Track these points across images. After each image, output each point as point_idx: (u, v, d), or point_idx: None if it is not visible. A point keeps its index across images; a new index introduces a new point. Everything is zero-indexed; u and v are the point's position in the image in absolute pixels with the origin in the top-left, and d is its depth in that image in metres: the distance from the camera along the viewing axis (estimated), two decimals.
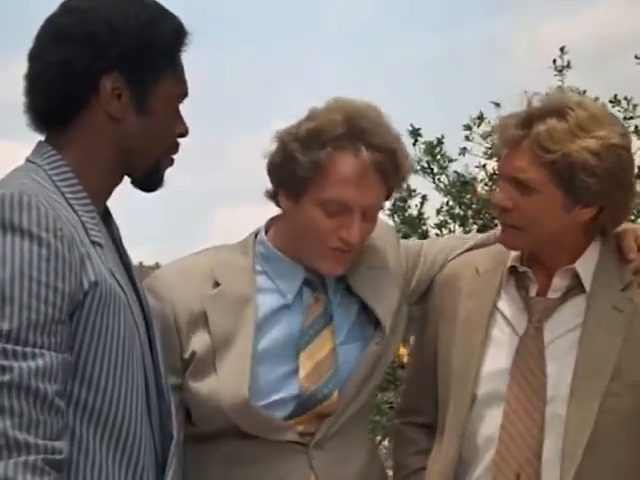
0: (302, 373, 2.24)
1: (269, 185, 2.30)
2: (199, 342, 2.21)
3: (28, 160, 1.83)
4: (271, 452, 2.22)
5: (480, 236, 2.55)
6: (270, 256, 2.30)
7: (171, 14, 1.87)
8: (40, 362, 1.61)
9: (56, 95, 1.80)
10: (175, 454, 1.87)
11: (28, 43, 1.85)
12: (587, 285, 2.28)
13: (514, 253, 2.35)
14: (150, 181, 1.91)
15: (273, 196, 2.30)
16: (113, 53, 1.78)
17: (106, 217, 1.90)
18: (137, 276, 1.94)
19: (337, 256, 2.23)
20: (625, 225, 2.36)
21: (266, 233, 2.35)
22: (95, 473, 1.70)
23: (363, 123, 2.19)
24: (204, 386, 2.20)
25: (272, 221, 2.36)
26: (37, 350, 1.62)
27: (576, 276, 2.29)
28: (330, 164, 2.18)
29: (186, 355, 2.21)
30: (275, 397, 2.22)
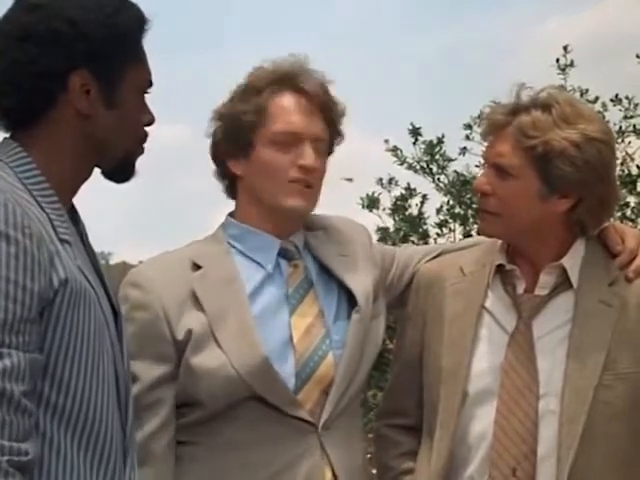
0: (295, 338, 2.28)
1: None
2: (194, 320, 2.24)
3: None
4: (283, 433, 2.24)
5: (458, 243, 2.67)
6: (241, 234, 2.36)
7: (131, 2, 1.84)
8: (7, 362, 1.58)
9: (24, 95, 1.77)
10: (133, 450, 1.85)
11: None
12: (574, 281, 2.31)
13: (500, 252, 2.38)
14: (122, 172, 1.90)
15: (224, 176, 2.40)
16: (78, 49, 1.76)
17: (73, 214, 1.87)
18: (105, 273, 1.91)
19: (299, 190, 2.31)
20: (605, 223, 2.39)
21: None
22: (67, 473, 1.68)
23: (291, 68, 2.34)
24: (211, 360, 2.22)
25: (232, 212, 2.43)
26: (4, 350, 1.58)
27: (563, 272, 2.32)
28: (272, 104, 2.32)
29: (180, 336, 2.23)
30: (275, 364, 2.23)
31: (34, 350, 1.63)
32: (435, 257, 2.52)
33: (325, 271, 2.40)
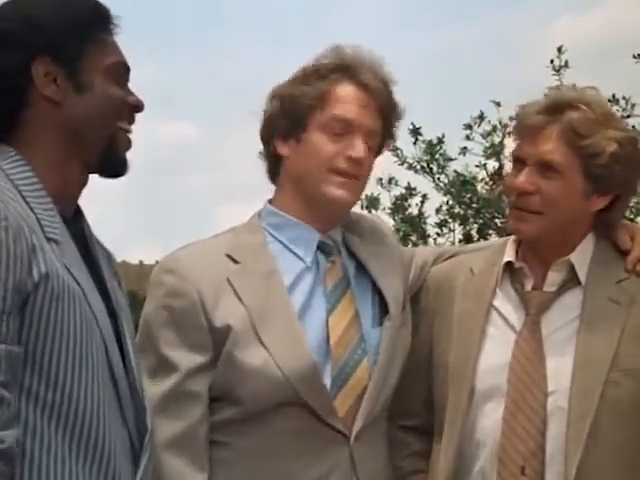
0: (333, 340, 2.24)
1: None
2: (232, 313, 2.19)
3: None
4: (316, 444, 2.20)
5: (473, 245, 2.66)
6: (281, 224, 2.33)
7: None
8: None
9: None
10: (148, 447, 1.86)
11: None
12: (582, 278, 2.32)
13: (510, 250, 2.38)
14: (109, 163, 1.91)
15: (269, 156, 2.37)
16: (33, 41, 1.82)
17: (77, 216, 1.90)
18: (108, 274, 1.93)
19: (342, 181, 2.27)
20: None
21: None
22: (58, 466, 1.69)
23: (356, 59, 2.32)
24: (254, 358, 2.17)
25: (271, 199, 2.40)
26: None
27: (571, 269, 2.33)
28: (332, 90, 2.30)
29: (218, 325, 2.18)
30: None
31: (12, 342, 1.64)
32: (449, 258, 2.52)
33: (361, 270, 2.38)
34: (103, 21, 1.90)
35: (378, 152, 2.37)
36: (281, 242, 2.31)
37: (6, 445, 1.61)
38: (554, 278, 2.33)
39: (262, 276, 2.24)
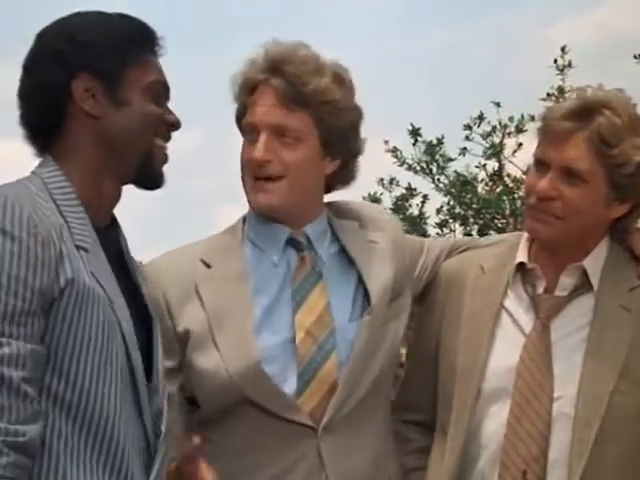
0: (298, 338, 2.23)
1: None
2: (193, 318, 2.24)
3: (31, 172, 1.93)
4: (280, 438, 2.21)
5: (486, 238, 2.62)
6: (253, 223, 2.35)
7: (131, 17, 2.00)
8: (6, 350, 1.68)
9: (41, 111, 1.93)
10: (162, 449, 1.92)
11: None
12: (595, 284, 2.30)
13: (522, 250, 2.36)
14: (146, 176, 1.97)
15: None
16: (75, 58, 1.91)
17: (112, 227, 1.98)
18: (142, 285, 2.00)
19: (258, 186, 2.27)
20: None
21: None
22: (74, 462, 1.76)
23: (268, 60, 2.29)
24: (208, 362, 2.21)
25: None
26: (4, 339, 1.69)
27: (584, 274, 2.31)
28: (247, 100, 2.30)
29: (179, 329, 2.23)
30: (276, 365, 2.20)
31: (36, 342, 1.73)
32: (462, 252, 2.49)
33: (347, 260, 2.35)
34: (147, 41, 1.98)
35: (330, 136, 2.28)
36: (253, 242, 2.33)
37: (26, 439, 1.68)
38: (566, 282, 2.31)
39: (230, 279, 2.27)
